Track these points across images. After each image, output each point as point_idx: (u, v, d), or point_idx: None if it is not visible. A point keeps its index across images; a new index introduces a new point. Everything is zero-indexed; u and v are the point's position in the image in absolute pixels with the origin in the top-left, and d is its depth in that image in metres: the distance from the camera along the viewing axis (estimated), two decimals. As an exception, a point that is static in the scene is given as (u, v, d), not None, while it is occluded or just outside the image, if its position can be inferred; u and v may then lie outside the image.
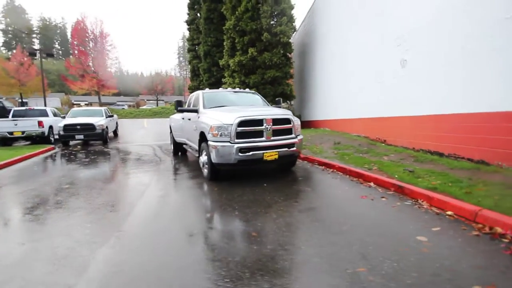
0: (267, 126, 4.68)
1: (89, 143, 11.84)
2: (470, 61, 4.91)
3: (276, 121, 4.79)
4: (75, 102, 47.51)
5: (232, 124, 4.50)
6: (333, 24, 10.81)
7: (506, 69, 4.29)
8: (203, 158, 5.08)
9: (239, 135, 4.55)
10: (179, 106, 5.89)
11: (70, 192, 4.58)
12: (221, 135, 4.57)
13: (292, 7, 12.77)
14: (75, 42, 28.88)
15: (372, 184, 4.42)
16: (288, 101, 15.63)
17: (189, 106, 7.10)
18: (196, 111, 5.71)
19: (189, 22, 19.21)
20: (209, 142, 4.70)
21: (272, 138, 4.76)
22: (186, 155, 8.31)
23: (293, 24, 13.01)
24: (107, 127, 12.12)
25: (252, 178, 5.23)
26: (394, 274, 2.03)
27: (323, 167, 5.97)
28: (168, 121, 9.22)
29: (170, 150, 9.08)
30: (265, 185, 4.71)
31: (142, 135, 14.97)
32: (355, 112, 9.05)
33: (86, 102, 46.76)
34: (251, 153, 4.55)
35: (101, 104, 32.56)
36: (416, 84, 6.22)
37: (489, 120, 4.49)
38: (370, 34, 7.95)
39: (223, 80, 13.94)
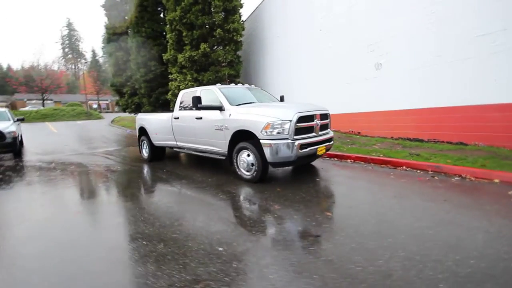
0: (317, 122, 4.73)
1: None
2: (444, 66, 6.31)
3: (322, 116, 4.89)
4: None
5: (291, 120, 4.33)
6: (292, 28, 11.47)
7: (476, 73, 5.78)
8: (247, 159, 4.64)
9: (297, 131, 4.42)
10: (198, 103, 5.14)
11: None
12: (278, 132, 4.33)
13: (241, 6, 12.76)
14: None
15: (405, 167, 5.13)
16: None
17: (182, 103, 6.28)
18: (219, 108, 5.13)
19: (108, 7, 16.17)
20: (263, 141, 4.37)
21: (320, 132, 4.84)
22: (164, 160, 7.28)
23: (243, 22, 13.03)
24: (19, 134, 9.12)
25: (285, 175, 5.14)
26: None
27: (335, 158, 6.41)
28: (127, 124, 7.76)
29: (140, 157, 7.69)
30: (317, 179, 4.76)
31: (61, 142, 11.94)
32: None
33: None
34: (308, 149, 4.51)
35: (-45, 105, 23.55)
36: (391, 83, 7.46)
37: (465, 111, 5.93)
38: (341, 40, 8.93)
39: (170, 76, 12.58)
